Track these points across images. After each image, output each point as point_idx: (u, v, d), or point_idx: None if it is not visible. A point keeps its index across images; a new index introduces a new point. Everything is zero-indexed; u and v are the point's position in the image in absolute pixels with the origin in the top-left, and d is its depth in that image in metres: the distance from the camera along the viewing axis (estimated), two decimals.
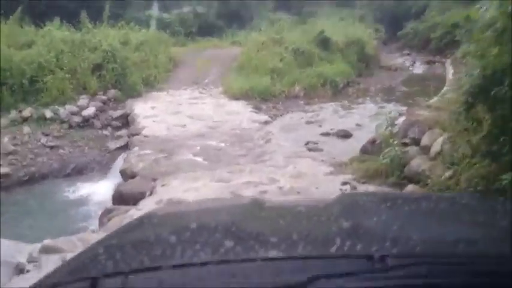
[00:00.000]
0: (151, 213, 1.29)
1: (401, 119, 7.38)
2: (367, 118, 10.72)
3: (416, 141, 6.34)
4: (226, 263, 0.83)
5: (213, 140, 9.19)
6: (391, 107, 11.93)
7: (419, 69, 20.61)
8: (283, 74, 13.29)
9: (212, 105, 11.52)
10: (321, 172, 6.84)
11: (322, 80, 13.48)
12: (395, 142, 6.09)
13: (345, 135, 9.07)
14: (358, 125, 9.91)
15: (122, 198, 6.90)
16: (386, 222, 1.03)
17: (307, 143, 8.54)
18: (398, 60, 22.06)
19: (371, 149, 7.33)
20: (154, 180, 7.15)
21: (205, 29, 19.55)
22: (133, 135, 10.01)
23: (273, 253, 0.86)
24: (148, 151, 8.64)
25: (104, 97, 12.07)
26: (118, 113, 11.74)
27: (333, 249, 0.86)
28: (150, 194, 6.63)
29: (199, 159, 8.03)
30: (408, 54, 23.44)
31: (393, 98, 13.57)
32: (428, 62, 21.39)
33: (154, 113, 11.01)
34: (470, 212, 1.15)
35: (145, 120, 10.54)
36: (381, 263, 0.77)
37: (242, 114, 10.92)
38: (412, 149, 6.21)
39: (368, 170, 6.26)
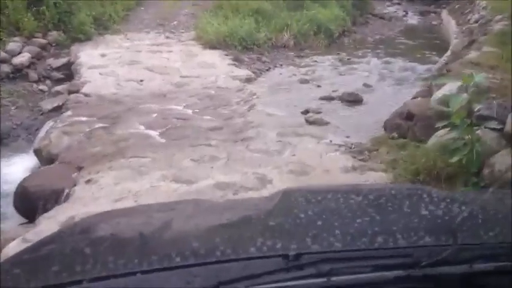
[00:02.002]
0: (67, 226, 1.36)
1: (448, 85, 4.66)
2: (375, 76, 8.01)
3: (487, 121, 3.68)
4: (134, 274, 0.76)
5: (178, 103, 6.35)
6: (400, 63, 9.23)
7: (413, 19, 17.80)
8: (270, 18, 10.27)
9: (180, 55, 8.53)
10: (336, 165, 4.18)
11: (315, 27, 10.55)
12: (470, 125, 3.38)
13: (355, 100, 6.34)
14: (366, 85, 7.18)
15: (25, 201, 4.14)
16: (312, 219, 0.96)
17: (305, 112, 5.80)
18: (389, 9, 19.19)
19: (406, 126, 4.69)
20: (79, 169, 4.38)
21: None
22: (71, 92, 7.07)
23: (187, 260, 0.81)
24: (83, 118, 5.77)
25: (42, 41, 8.88)
26: (60, 61, 8.61)
27: (253, 250, 0.82)
28: (67, 198, 3.90)
29: (153, 133, 5.23)
30: (398, 4, 20.53)
31: (397, 51, 10.78)
32: (423, 13, 18.68)
33: (104, 62, 7.98)
34: (394, 204, 1.04)
35: (90, 72, 7.54)
36: (295, 261, 0.73)
37: (218, 68, 8.01)
38: (490, 135, 3.59)
39: (417, 170, 3.60)
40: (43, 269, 0.88)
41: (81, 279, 0.76)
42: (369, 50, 10.52)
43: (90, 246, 0.94)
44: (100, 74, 7.41)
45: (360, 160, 4.22)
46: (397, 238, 0.87)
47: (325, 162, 4.27)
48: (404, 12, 18.80)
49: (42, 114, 7.26)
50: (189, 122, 5.62)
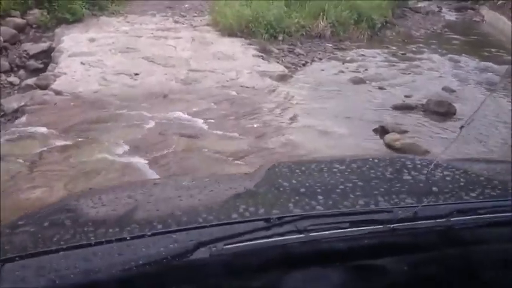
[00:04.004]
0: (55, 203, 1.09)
1: None
2: (449, 77, 5.71)
3: None
4: (113, 242, 0.70)
5: (184, 108, 4.13)
6: (469, 61, 6.90)
7: (450, 15, 15.39)
8: (302, 1, 7.99)
9: (191, 43, 6.30)
10: None
11: (355, 15, 8.25)
12: None
13: (446, 112, 4.06)
14: (448, 89, 4.91)
15: None
16: (295, 186, 0.91)
17: (382, 130, 3.55)
18: (420, 4, 16.80)
19: None
20: None
21: None
22: (40, 88, 4.89)
23: (171, 226, 0.76)
24: (40, 129, 3.59)
25: (19, 20, 6.71)
26: (39, 46, 6.40)
27: (235, 216, 0.78)
28: None
29: (140, 163, 3.00)
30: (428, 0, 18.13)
31: (455, 47, 8.45)
32: (459, 9, 16.28)
33: (91, 49, 5.77)
34: (377, 171, 0.98)
35: (69, 61, 5.34)
36: (269, 223, 0.70)
37: (240, 60, 5.78)
38: None
39: None
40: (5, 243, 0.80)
41: (62, 246, 0.70)
42: (422, 45, 8.19)
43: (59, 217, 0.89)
44: (82, 63, 5.21)
45: None
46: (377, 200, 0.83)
47: None
48: (438, 8, 16.48)
49: (2, 115, 5.08)
50: (199, 142, 3.39)
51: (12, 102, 5.04)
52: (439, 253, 0.71)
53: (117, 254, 0.69)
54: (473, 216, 0.74)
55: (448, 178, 0.92)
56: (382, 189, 0.87)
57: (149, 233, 0.73)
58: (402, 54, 7.06)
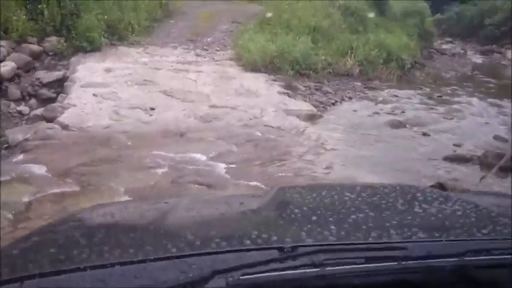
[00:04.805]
0: (64, 216, 1.13)
1: None
2: (495, 123, 5.07)
3: None
4: (129, 264, 0.70)
5: (202, 149, 3.57)
6: (509, 105, 6.27)
7: (476, 58, 14.91)
8: (329, 38, 7.55)
9: (212, 77, 5.83)
10: None
11: (384, 54, 7.76)
12: None
13: (509, 167, 3.41)
14: (500, 138, 4.26)
15: None
16: (307, 214, 0.89)
17: (438, 188, 2.93)
18: (443, 46, 16.38)
19: None
20: None
21: None
22: (46, 120, 4.41)
23: (182, 250, 0.75)
24: (37, 169, 3.05)
25: (35, 47, 6.35)
26: (53, 75, 6.01)
27: (247, 243, 0.76)
28: None
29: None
30: (451, 42, 17.65)
31: (491, 90, 7.85)
32: (484, 52, 15.78)
33: (106, 80, 5.32)
34: (388, 201, 0.96)
35: (80, 91, 4.88)
36: (285, 254, 0.69)
37: (264, 97, 5.25)
38: None
39: None
40: (29, 259, 0.81)
41: (79, 266, 0.70)
42: (456, 88, 7.60)
43: (81, 236, 0.88)
44: (94, 95, 4.74)
45: None
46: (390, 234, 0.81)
47: None
48: (463, 50, 16.03)
49: (6, 147, 4.57)
50: (218, 193, 2.79)
51: (17, 134, 4.56)
52: None
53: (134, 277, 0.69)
54: (487, 257, 0.72)
55: (458, 213, 0.90)
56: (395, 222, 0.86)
57: (164, 256, 0.72)
58: (438, 96, 6.48)
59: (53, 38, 6.52)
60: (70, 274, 0.68)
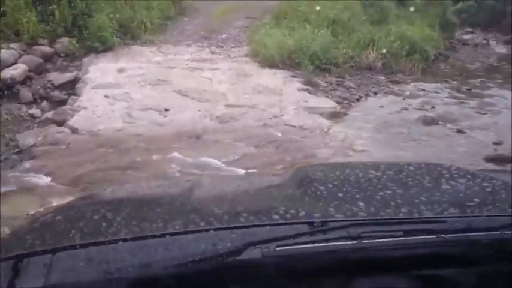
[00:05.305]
0: (91, 193, 1.15)
1: None
2: None
3: None
4: (164, 236, 0.70)
5: (219, 153, 3.29)
6: None
7: (499, 48, 14.26)
8: (349, 30, 7.17)
9: (229, 75, 5.54)
10: None
11: (407, 46, 7.34)
12: None
13: None
14: None
15: None
16: (332, 191, 0.89)
17: None
18: (464, 36, 15.74)
19: None
20: None
21: None
22: (56, 123, 4.19)
23: (210, 224, 0.74)
24: (43, 179, 2.82)
25: (47, 49, 6.16)
26: (65, 77, 5.81)
27: (276, 218, 0.76)
28: None
29: None
30: (472, 32, 16.98)
31: None
32: (507, 42, 15.10)
33: (119, 80, 5.08)
34: (415, 179, 0.96)
35: (92, 93, 4.65)
36: (320, 227, 0.69)
37: (284, 95, 4.93)
38: None
39: None
40: (59, 232, 0.80)
41: (111, 239, 0.70)
42: (485, 80, 7.14)
43: (110, 210, 0.87)
44: (106, 96, 4.50)
45: None
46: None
47: None
48: (484, 40, 15.39)
49: (18, 152, 4.36)
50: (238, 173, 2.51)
51: (28, 138, 4.36)
52: (490, 267, 0.70)
53: (168, 249, 0.69)
54: None
55: (487, 190, 0.88)
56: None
57: (199, 229, 0.71)
58: (467, 89, 6.05)
59: (65, 39, 6.32)
60: (102, 246, 0.68)
